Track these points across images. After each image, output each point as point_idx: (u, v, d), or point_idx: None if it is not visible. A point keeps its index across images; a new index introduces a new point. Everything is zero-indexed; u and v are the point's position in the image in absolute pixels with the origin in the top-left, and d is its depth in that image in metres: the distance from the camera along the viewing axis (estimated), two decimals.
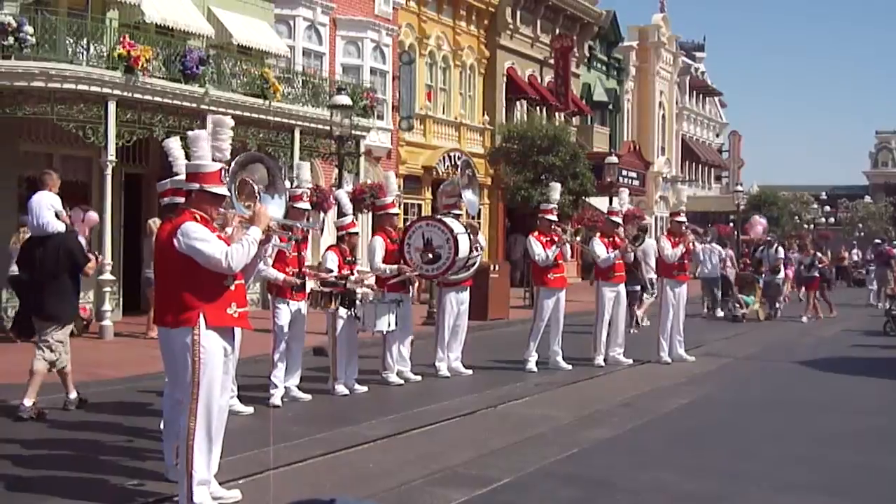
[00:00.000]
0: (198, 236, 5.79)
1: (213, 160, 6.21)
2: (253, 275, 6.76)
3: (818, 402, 10.83)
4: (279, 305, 9.68)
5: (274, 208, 6.55)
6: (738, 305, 20.98)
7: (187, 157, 6.49)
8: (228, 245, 5.87)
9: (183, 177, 6.67)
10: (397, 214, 11.73)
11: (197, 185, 6.01)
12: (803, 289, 22.94)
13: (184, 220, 5.88)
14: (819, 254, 22.65)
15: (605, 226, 13.80)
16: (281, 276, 9.41)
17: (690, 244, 13.54)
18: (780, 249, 22.81)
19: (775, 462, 7.68)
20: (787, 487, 6.97)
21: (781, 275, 22.13)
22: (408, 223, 11.69)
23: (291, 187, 9.96)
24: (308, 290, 10.09)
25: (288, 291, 9.64)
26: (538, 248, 12.37)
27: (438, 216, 11.69)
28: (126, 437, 7.95)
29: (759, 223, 19.52)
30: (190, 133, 6.36)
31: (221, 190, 6.06)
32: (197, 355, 5.83)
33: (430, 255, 11.19)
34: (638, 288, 17.46)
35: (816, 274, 22.33)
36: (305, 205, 9.93)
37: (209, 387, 5.88)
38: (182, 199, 6.54)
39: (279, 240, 7.02)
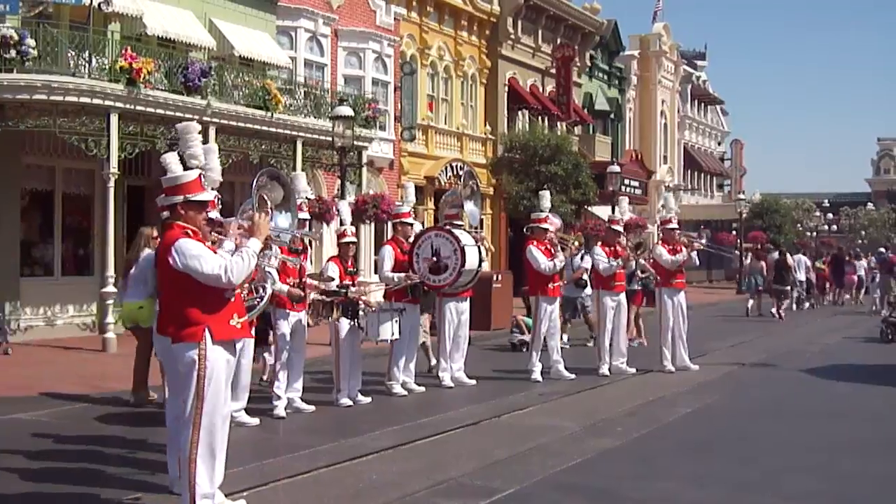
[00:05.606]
0: (193, 253, 5.74)
1: (189, 167, 6.26)
2: (247, 282, 6.78)
3: (824, 410, 10.78)
4: (280, 317, 9.66)
5: (283, 222, 6.66)
6: (517, 331, 16.44)
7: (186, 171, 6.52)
8: (216, 252, 5.87)
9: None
10: (412, 224, 11.74)
11: (180, 197, 6.00)
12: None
13: (175, 237, 5.84)
14: (643, 262, 15.08)
15: (606, 235, 13.78)
16: (285, 287, 9.39)
17: (693, 251, 13.49)
18: (587, 258, 15.95)
19: (782, 471, 7.64)
20: (795, 497, 6.92)
21: (588, 291, 16.26)
22: (416, 233, 11.69)
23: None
24: (309, 300, 10.09)
25: (288, 302, 9.62)
26: (541, 258, 12.33)
27: (447, 227, 11.70)
28: (130, 450, 7.93)
29: (554, 219, 14.18)
30: (161, 158, 6.44)
31: (205, 196, 6.09)
32: (202, 370, 5.79)
33: (437, 264, 11.21)
34: (788, 288, 24.89)
35: (638, 287, 16.63)
36: (304, 214, 9.95)
37: (213, 400, 5.84)
38: None
39: (280, 251, 7.12)
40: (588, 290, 16.43)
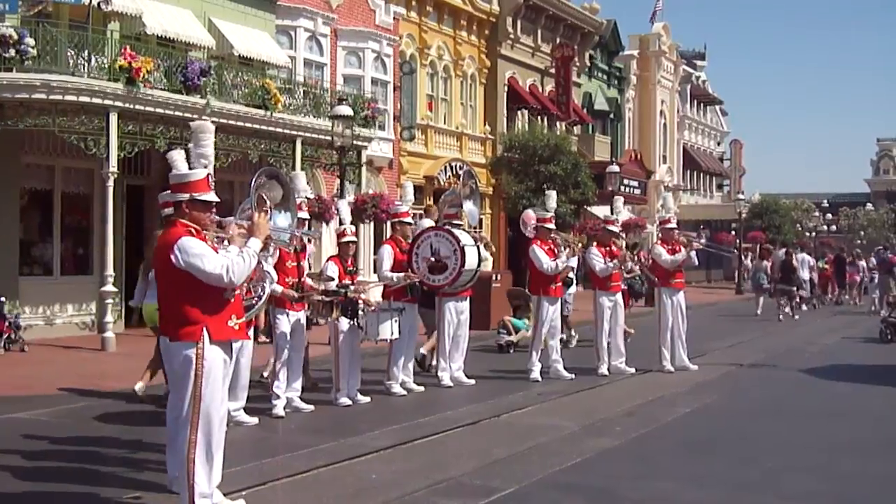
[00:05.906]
0: (196, 252, 5.73)
1: (198, 166, 6.25)
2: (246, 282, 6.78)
3: (824, 410, 10.78)
4: (279, 316, 9.66)
5: (282, 221, 6.65)
6: (503, 332, 16.16)
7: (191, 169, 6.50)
8: (217, 251, 5.87)
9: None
10: (411, 224, 11.74)
11: (187, 195, 5.98)
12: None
13: (178, 235, 5.82)
14: (631, 263, 13.91)
15: (601, 235, 13.74)
16: (279, 288, 9.37)
17: (692, 250, 13.48)
18: (573, 257, 14.05)
19: (781, 471, 7.63)
20: (795, 497, 6.92)
21: (573, 289, 16.52)
22: (416, 232, 11.69)
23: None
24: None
25: (287, 302, 9.62)
26: (544, 258, 12.31)
27: (447, 227, 11.69)
28: (129, 449, 7.92)
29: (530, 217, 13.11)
30: (168, 155, 6.42)
31: (211, 196, 6.05)
32: (200, 369, 5.79)
33: (437, 264, 11.21)
34: (794, 288, 24.79)
35: (622, 287, 14.58)
36: (304, 214, 9.95)
37: (210, 399, 5.84)
38: None
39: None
40: (572, 289, 16.44)
